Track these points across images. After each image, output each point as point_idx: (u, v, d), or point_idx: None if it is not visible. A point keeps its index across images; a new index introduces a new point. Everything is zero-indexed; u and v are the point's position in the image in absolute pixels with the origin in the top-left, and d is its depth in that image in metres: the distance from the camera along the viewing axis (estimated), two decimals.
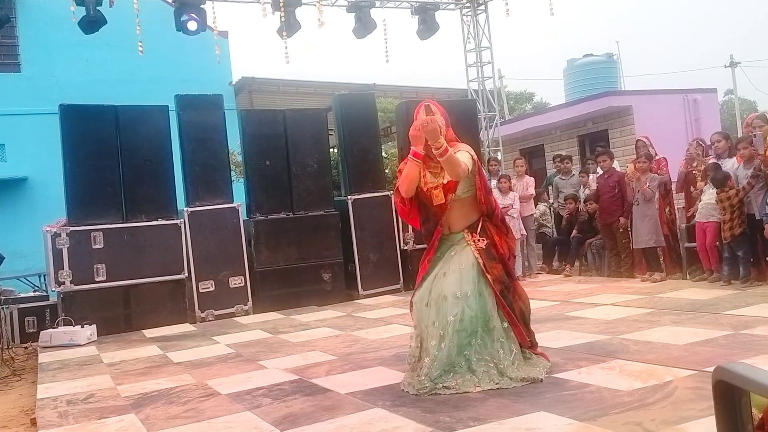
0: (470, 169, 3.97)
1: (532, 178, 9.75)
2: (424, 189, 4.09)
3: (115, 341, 6.96)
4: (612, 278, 8.12)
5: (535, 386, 3.75)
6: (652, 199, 7.65)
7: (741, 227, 6.64)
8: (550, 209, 10.06)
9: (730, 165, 7.04)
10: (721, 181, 6.72)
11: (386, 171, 11.21)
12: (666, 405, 3.21)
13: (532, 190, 9.37)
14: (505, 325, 3.94)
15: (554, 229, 9.83)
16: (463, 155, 4.00)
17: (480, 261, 3.94)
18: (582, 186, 9.35)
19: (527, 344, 4.06)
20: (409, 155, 4.04)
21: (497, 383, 3.76)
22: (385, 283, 8.76)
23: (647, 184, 7.56)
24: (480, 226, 4.06)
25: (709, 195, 7.04)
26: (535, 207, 9.85)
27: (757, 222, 6.63)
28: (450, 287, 3.89)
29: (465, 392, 3.72)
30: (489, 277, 3.92)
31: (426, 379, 3.78)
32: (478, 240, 4.00)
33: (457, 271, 3.93)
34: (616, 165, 8.85)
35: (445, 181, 4.02)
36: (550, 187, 10.26)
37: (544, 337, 5.06)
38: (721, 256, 6.89)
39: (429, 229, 4.22)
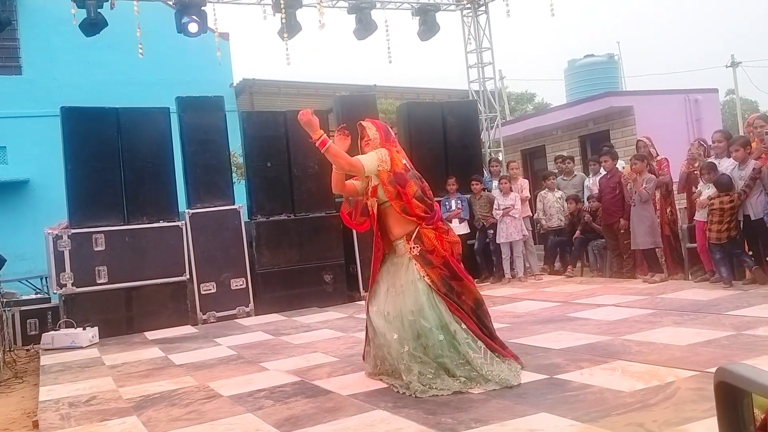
0: (368, 169, 4.12)
1: (526, 180, 9.75)
2: (365, 199, 4.29)
3: (116, 343, 6.96)
4: (614, 279, 8.11)
5: (536, 387, 3.76)
6: (649, 200, 7.63)
7: (736, 230, 6.62)
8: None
9: (727, 164, 7.00)
10: (726, 185, 6.66)
11: None
12: (668, 406, 3.20)
13: (527, 193, 9.35)
14: (463, 326, 3.99)
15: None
16: (367, 155, 4.20)
17: (423, 272, 4.01)
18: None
19: (490, 343, 4.05)
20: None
21: (483, 387, 3.79)
22: None
23: (644, 185, 7.54)
24: (416, 233, 4.12)
25: (707, 194, 7.00)
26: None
27: (754, 222, 6.59)
28: (406, 305, 3.99)
29: (458, 391, 3.76)
30: (428, 281, 4.00)
31: (418, 384, 3.81)
32: (413, 248, 4.08)
33: (408, 287, 4.03)
34: (620, 165, 8.82)
35: (369, 191, 4.20)
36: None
37: (545, 338, 5.08)
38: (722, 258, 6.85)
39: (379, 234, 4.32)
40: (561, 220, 9.30)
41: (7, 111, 14.26)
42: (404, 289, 4.04)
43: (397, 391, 3.90)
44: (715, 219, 6.65)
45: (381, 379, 4.18)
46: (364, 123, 4.41)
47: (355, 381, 4.34)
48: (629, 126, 13.72)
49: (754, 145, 6.86)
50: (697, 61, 61.51)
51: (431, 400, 3.69)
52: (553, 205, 9.34)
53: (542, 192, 9.59)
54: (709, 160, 7.31)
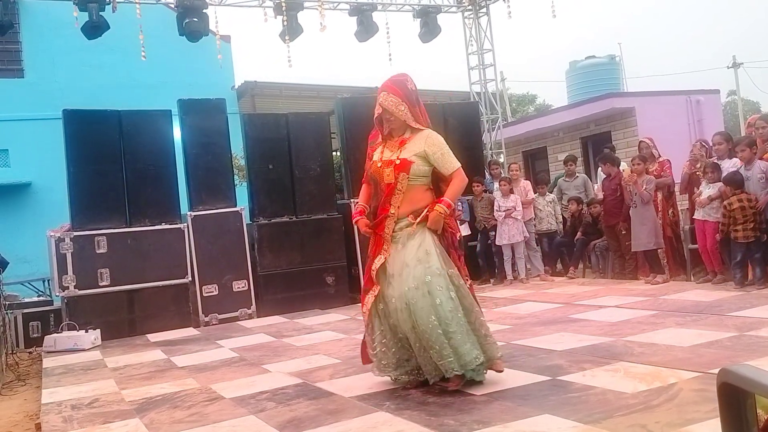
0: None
1: (528, 182, 9.75)
2: (378, 165, 4.08)
3: (119, 346, 6.97)
4: (616, 280, 8.10)
5: (539, 389, 3.75)
6: (650, 201, 7.61)
7: (760, 230, 6.53)
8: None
9: (728, 166, 6.98)
10: (738, 182, 6.61)
11: None
12: (670, 407, 3.20)
13: (531, 195, 9.35)
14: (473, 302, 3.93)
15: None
16: (445, 151, 4.03)
17: (429, 234, 3.91)
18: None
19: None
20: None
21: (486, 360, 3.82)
22: None
23: (644, 187, 7.52)
24: (424, 212, 3.96)
25: (707, 193, 6.98)
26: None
27: None
28: (418, 268, 3.80)
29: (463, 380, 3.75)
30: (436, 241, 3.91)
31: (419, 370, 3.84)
32: (419, 221, 3.94)
33: (412, 252, 3.87)
34: (624, 166, 8.79)
35: (398, 161, 3.98)
36: (555, 189, 10.24)
37: (547, 340, 5.07)
38: (729, 257, 6.80)
39: (375, 207, 4.12)
40: (551, 224, 9.31)
41: (10, 114, 14.28)
42: (410, 257, 3.85)
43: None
44: (739, 218, 6.52)
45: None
46: (383, 102, 4.07)
47: (357, 383, 4.34)
48: (631, 127, 13.75)
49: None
50: (699, 62, 61.64)
51: (434, 401, 3.68)
52: (544, 208, 9.34)
53: (561, 180, 9.70)
54: (712, 160, 7.29)
